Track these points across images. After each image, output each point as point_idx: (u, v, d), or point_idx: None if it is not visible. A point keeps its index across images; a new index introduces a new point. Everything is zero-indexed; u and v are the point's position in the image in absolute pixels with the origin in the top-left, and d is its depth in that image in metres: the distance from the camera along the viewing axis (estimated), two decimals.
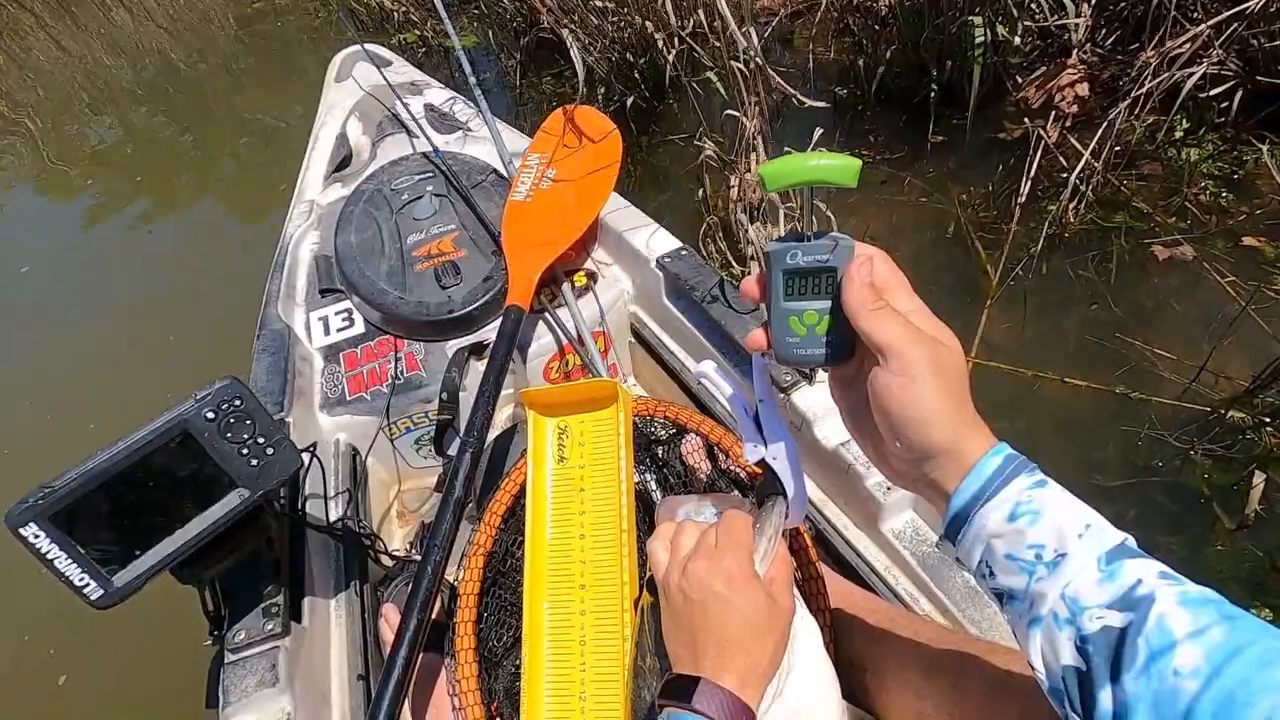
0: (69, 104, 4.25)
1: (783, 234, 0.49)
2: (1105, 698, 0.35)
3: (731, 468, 0.86)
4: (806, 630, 0.61)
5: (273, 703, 0.78)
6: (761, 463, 0.54)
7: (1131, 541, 0.39)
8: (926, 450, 0.41)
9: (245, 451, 0.75)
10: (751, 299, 0.49)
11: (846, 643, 0.70)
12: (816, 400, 0.95)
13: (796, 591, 0.61)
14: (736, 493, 0.84)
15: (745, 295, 0.50)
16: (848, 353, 0.46)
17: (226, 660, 0.82)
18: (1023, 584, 0.39)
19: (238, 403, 0.74)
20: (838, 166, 0.42)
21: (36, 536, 0.63)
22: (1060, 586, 0.37)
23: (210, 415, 0.73)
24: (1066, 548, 0.38)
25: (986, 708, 0.58)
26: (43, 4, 5.35)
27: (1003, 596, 0.41)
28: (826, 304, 0.46)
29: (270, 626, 0.83)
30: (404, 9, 2.97)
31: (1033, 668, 0.39)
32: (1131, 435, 1.34)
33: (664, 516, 0.65)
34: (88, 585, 0.66)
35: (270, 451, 0.76)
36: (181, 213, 3.07)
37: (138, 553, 0.69)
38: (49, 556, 0.64)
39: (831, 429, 0.92)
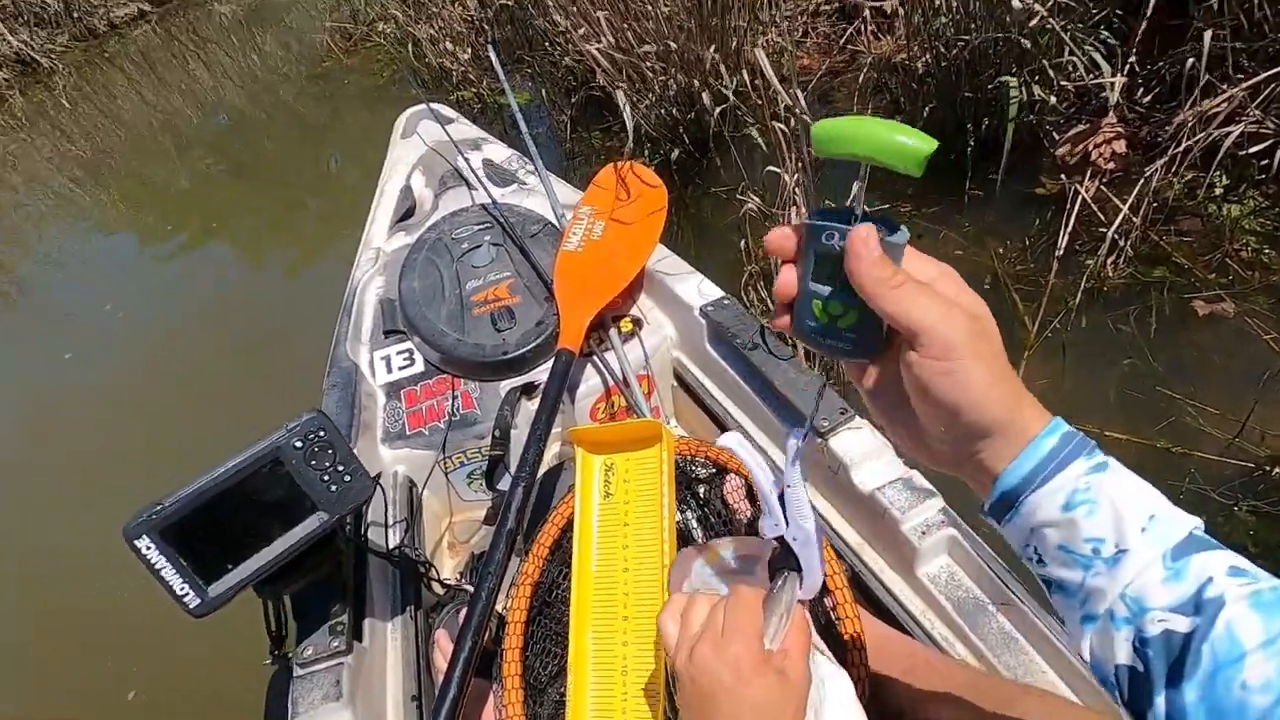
0: (150, 152, 4.57)
1: (832, 205, 0.41)
2: (1160, 702, 0.33)
3: None
4: (835, 681, 0.60)
5: (336, 716, 0.84)
6: (780, 538, 0.52)
7: (1200, 528, 0.36)
8: (979, 432, 0.37)
9: (326, 478, 0.82)
10: (777, 254, 0.43)
11: (883, 686, 0.72)
12: (855, 445, 0.99)
13: (824, 647, 0.60)
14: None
15: (770, 248, 0.44)
16: (873, 352, 0.42)
17: (295, 674, 0.87)
18: (1077, 578, 0.36)
19: (321, 433, 0.82)
20: (905, 147, 0.35)
21: (148, 548, 0.71)
22: (1121, 585, 0.35)
23: (298, 444, 0.80)
24: (1128, 544, 0.35)
25: None
26: (132, 64, 5.81)
27: (1051, 585, 0.38)
28: (855, 298, 0.39)
29: (336, 644, 0.89)
30: (462, 69, 3.17)
31: (1083, 657, 0.37)
32: (1174, 489, 1.33)
33: (676, 579, 0.63)
34: (187, 594, 0.73)
35: (348, 479, 0.83)
36: (251, 256, 3.28)
37: (229, 567, 0.77)
38: (157, 567, 0.72)
39: (869, 473, 0.96)
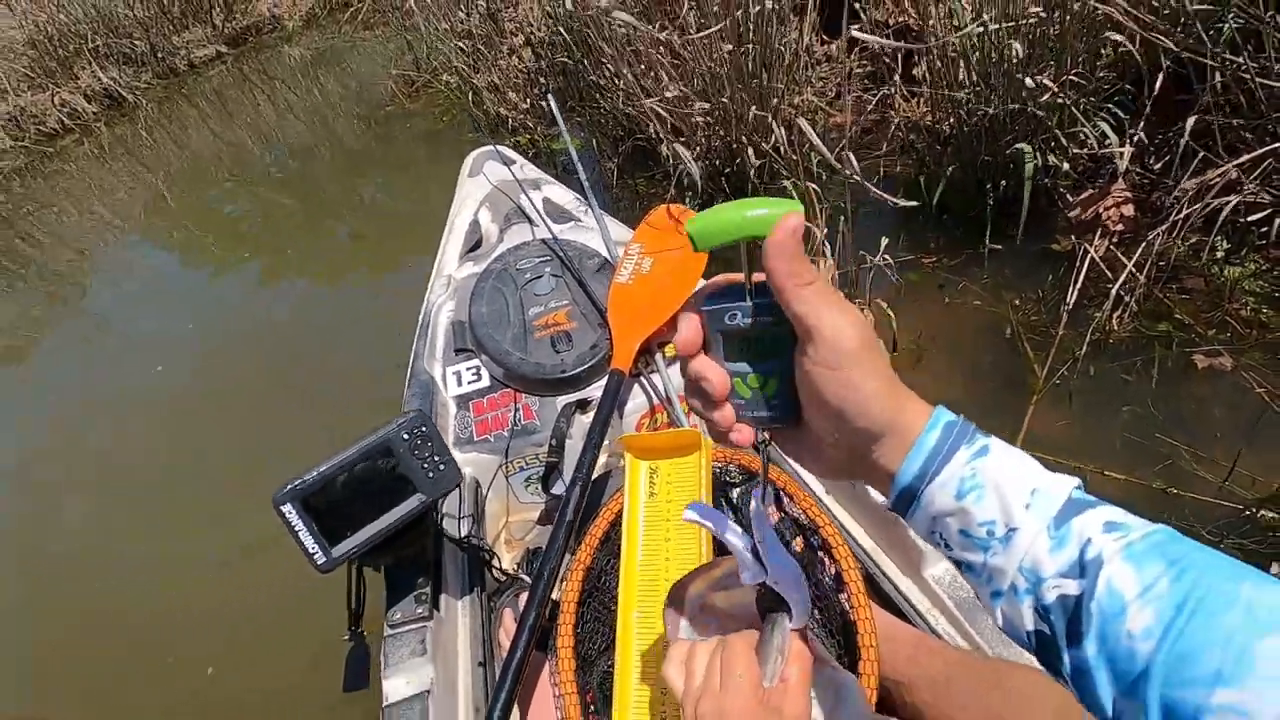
0: (219, 183, 4.88)
1: (720, 287, 0.44)
2: (1067, 659, 0.37)
3: (794, 511, 1.04)
4: (850, 689, 0.62)
5: (422, 669, 0.99)
6: (763, 584, 0.54)
7: (1079, 489, 0.39)
8: (869, 435, 0.41)
9: (425, 466, 0.98)
10: (688, 350, 0.44)
11: (890, 667, 0.83)
12: None
13: (828, 658, 0.65)
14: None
15: (685, 348, 0.45)
16: (796, 412, 0.44)
17: (386, 634, 1.03)
18: (980, 559, 0.40)
19: (423, 428, 0.99)
20: (765, 218, 0.38)
21: (290, 513, 0.88)
22: (1017, 561, 0.38)
23: (405, 436, 0.97)
24: (1015, 521, 0.38)
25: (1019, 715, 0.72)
26: (206, 100, 6.24)
27: (961, 566, 0.42)
28: (773, 365, 0.42)
29: (420, 610, 1.04)
30: (519, 116, 3.44)
31: (999, 626, 0.41)
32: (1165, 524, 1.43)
33: (671, 622, 0.65)
34: (316, 553, 0.90)
35: (441, 468, 0.99)
36: (313, 280, 3.52)
37: (348, 533, 0.93)
38: (296, 529, 0.88)
39: None
